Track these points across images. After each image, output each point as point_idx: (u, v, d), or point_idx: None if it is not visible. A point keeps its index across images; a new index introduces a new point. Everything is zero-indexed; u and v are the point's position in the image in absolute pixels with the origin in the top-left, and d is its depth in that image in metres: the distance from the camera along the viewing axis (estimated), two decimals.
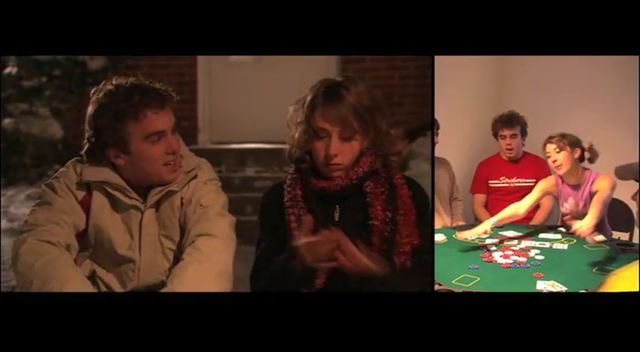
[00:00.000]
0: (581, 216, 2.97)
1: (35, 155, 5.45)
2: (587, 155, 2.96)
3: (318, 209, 1.94)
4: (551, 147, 2.95)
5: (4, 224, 4.82)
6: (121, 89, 1.90)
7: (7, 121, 5.36)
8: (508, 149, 3.46)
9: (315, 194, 1.96)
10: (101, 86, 1.93)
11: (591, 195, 2.92)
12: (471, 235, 2.85)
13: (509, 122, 3.41)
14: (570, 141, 2.93)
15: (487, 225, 2.86)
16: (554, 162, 2.97)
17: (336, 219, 1.96)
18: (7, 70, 5.29)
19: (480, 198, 3.56)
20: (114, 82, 1.93)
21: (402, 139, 2.00)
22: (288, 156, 2.01)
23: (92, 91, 1.94)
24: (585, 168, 3.00)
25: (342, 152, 1.90)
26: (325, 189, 1.95)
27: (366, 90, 1.92)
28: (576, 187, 3.00)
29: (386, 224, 1.91)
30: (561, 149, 2.93)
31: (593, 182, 2.93)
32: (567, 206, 3.05)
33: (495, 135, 3.49)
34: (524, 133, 3.46)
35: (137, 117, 1.88)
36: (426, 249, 1.98)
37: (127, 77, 1.95)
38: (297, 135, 1.95)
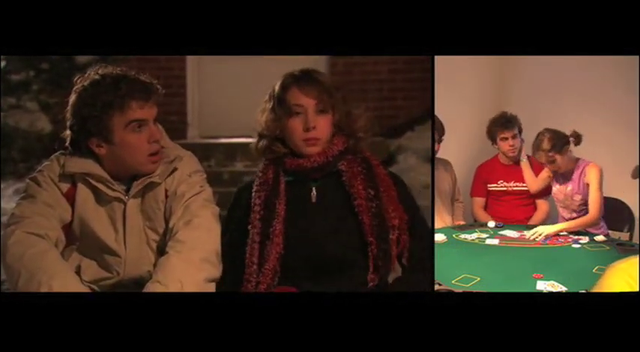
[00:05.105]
0: (568, 198, 3.05)
1: (23, 149, 5.40)
2: (572, 142, 3.02)
3: (291, 192, 1.99)
4: (542, 159, 3.04)
5: None
6: (107, 79, 1.90)
7: None
8: (511, 150, 3.40)
9: (289, 175, 2.01)
10: (86, 75, 1.93)
11: (581, 183, 2.99)
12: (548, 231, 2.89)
13: (510, 123, 3.39)
14: (558, 151, 2.99)
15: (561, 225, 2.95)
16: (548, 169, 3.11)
17: (313, 200, 2.00)
18: None
19: (480, 201, 3.55)
20: (100, 71, 1.93)
21: (364, 116, 2.08)
22: (255, 149, 2.05)
23: (76, 79, 1.93)
24: (577, 158, 3.06)
25: (319, 125, 1.98)
26: (302, 167, 1.99)
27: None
28: (567, 174, 3.07)
29: (370, 200, 1.96)
30: (551, 162, 3.03)
31: (583, 171, 3.00)
32: (559, 186, 3.12)
33: (493, 138, 3.45)
34: (520, 133, 3.45)
35: (122, 108, 1.88)
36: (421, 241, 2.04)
37: (113, 67, 1.95)
38: (264, 119, 2.02)
